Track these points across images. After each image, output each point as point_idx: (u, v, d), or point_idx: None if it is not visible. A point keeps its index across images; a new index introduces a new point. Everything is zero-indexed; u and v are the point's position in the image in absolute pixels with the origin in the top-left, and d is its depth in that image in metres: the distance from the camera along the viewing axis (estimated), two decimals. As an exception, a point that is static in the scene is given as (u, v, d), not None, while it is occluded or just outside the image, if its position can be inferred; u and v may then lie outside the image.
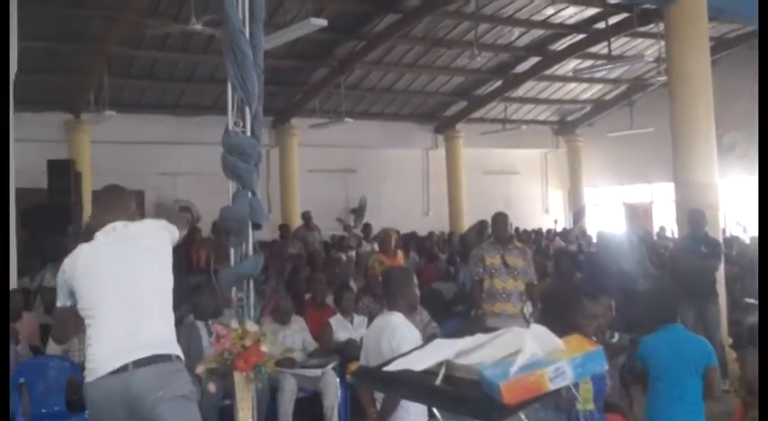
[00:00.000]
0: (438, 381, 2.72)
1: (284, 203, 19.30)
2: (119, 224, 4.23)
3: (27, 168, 11.12)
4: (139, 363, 3.82)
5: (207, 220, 12.10)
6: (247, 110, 5.06)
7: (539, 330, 2.75)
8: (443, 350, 2.83)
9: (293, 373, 7.32)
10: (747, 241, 14.98)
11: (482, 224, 12.67)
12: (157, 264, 4.17)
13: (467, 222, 16.65)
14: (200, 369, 4.82)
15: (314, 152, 19.88)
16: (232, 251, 5.00)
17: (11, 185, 8.83)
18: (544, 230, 20.57)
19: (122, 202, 4.41)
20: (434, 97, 21.32)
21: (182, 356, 4.07)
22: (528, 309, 8.11)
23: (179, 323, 7.85)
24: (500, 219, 8.57)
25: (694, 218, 9.35)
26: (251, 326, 4.72)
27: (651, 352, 5.58)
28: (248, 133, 5.05)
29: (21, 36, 9.25)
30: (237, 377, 4.64)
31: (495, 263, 8.20)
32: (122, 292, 4.01)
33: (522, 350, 2.62)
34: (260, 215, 5.07)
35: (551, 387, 2.63)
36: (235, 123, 5.07)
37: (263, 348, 4.67)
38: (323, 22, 10.82)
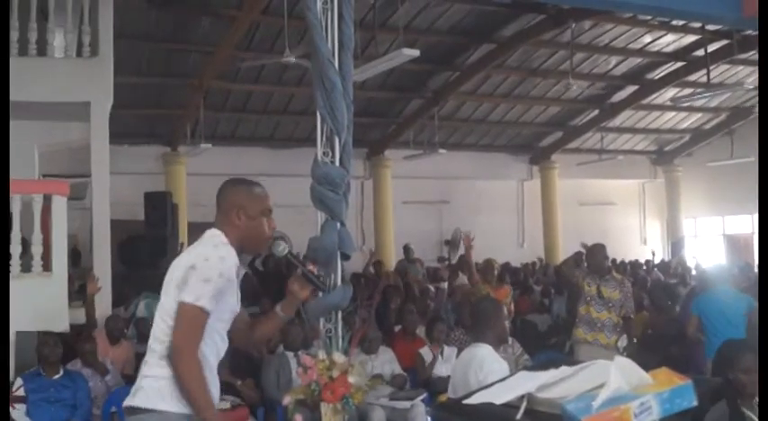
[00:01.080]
0: (519, 415, 2.64)
1: (378, 235, 19.35)
2: None
3: (124, 200, 11.47)
4: (127, 411, 3.39)
5: (301, 252, 12.22)
6: (336, 140, 5.07)
7: (624, 363, 2.64)
8: (526, 383, 2.75)
9: (382, 405, 7.26)
10: None
11: (577, 255, 12.49)
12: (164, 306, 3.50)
13: (562, 254, 16.37)
14: (287, 400, 4.82)
15: (408, 184, 19.90)
16: (320, 282, 4.99)
17: (108, 217, 9.15)
18: (642, 262, 20.13)
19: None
20: (529, 128, 21.16)
21: (171, 409, 3.30)
22: (623, 342, 7.90)
23: (270, 352, 7.97)
24: (597, 249, 8.39)
25: (797, 250, 9.02)
26: (338, 358, 4.69)
27: None
28: (337, 163, 5.06)
29: (120, 72, 9.56)
30: (325, 408, 4.61)
31: (591, 291, 8.04)
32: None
33: (607, 383, 2.52)
34: (348, 245, 5.06)
35: (636, 423, 2.52)
36: (324, 153, 5.08)
37: (351, 379, 4.64)
38: (415, 53, 10.87)
